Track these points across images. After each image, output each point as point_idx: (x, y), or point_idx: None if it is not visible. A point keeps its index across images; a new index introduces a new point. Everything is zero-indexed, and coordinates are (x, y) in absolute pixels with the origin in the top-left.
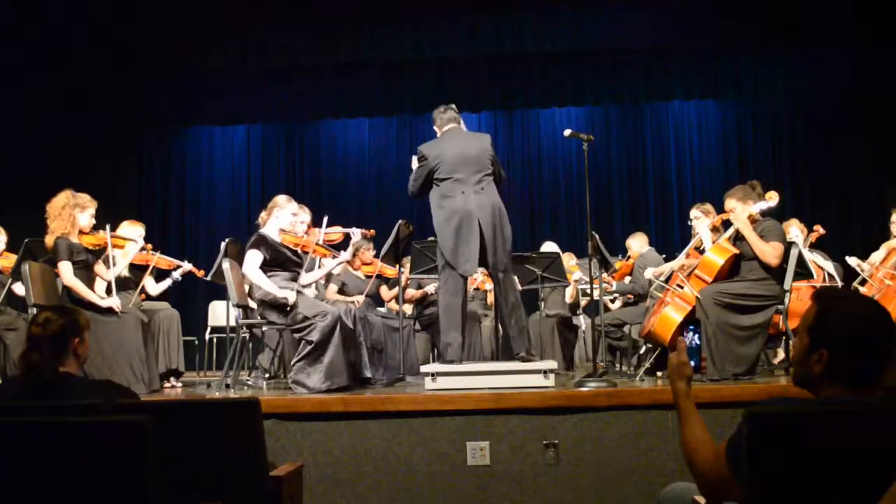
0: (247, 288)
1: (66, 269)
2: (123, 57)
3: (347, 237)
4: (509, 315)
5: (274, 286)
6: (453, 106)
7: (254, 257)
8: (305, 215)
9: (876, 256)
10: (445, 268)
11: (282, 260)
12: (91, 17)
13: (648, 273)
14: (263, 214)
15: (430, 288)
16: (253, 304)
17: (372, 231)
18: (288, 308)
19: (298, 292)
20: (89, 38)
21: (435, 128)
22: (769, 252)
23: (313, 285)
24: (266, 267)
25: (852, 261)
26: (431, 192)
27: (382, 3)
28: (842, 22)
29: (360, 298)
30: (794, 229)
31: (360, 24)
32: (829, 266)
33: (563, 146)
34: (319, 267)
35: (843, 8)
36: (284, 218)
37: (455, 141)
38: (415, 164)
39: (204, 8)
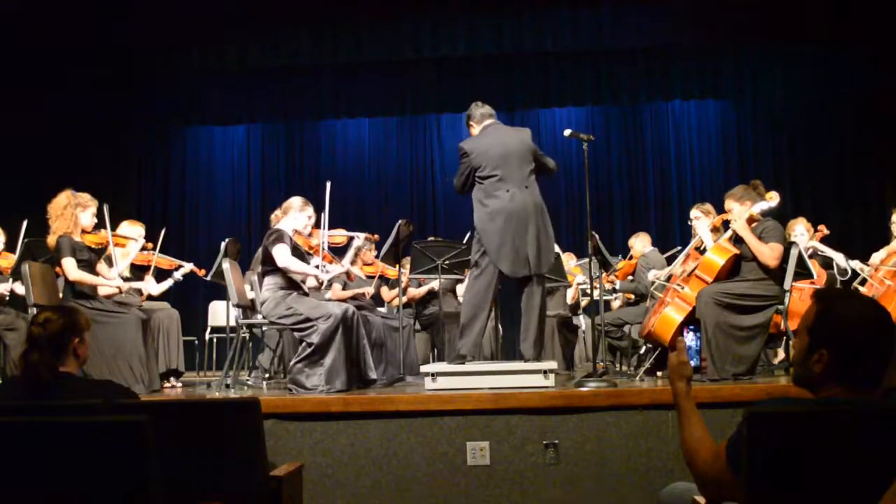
0: (247, 287)
1: (69, 265)
2: (124, 57)
3: (350, 241)
4: (535, 322)
5: (309, 266)
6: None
7: (284, 250)
8: (312, 220)
9: (876, 257)
10: (480, 265)
11: (297, 258)
12: (91, 16)
13: (651, 275)
14: (278, 212)
15: (435, 284)
16: (252, 296)
17: (376, 236)
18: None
19: (304, 293)
20: (89, 38)
21: (472, 123)
22: (767, 254)
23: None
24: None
25: (854, 264)
26: (474, 189)
27: (382, 3)
28: (842, 22)
29: (370, 290)
30: (801, 227)
31: (359, 24)
32: (840, 258)
33: (563, 146)
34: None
35: (843, 8)
36: (301, 220)
37: (497, 137)
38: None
39: (204, 8)
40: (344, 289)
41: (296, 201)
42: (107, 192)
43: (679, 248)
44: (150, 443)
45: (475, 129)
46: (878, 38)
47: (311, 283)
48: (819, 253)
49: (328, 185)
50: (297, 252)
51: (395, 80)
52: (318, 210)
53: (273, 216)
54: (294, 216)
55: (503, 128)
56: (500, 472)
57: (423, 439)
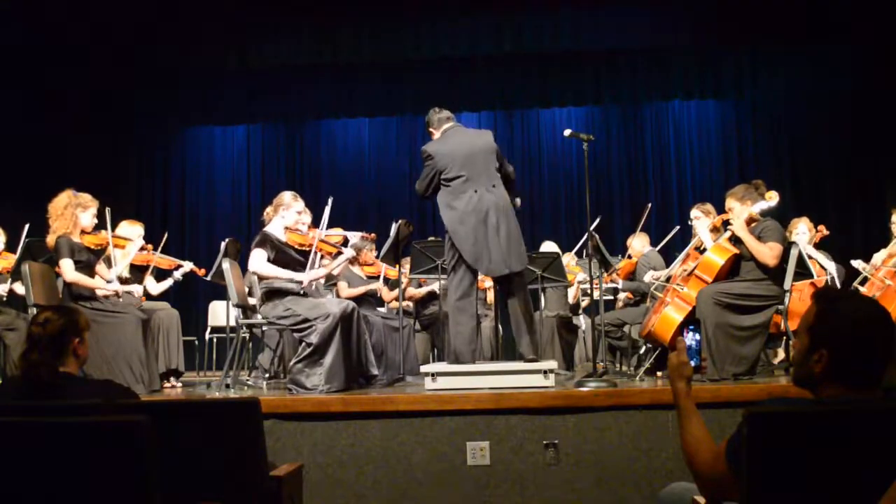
0: (247, 289)
1: (67, 266)
2: (123, 57)
3: (346, 241)
4: (523, 318)
5: (285, 271)
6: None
7: (259, 255)
8: (307, 216)
9: (878, 257)
10: (458, 268)
11: (286, 259)
12: (91, 16)
13: (648, 276)
14: (269, 210)
15: (435, 286)
16: (253, 301)
17: (373, 235)
18: (300, 292)
19: (303, 293)
20: (89, 38)
21: (431, 129)
22: (766, 253)
23: (320, 287)
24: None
25: (857, 263)
26: (440, 193)
27: (382, 3)
28: (842, 22)
29: (379, 284)
30: (802, 226)
31: (360, 24)
32: (832, 267)
33: (563, 146)
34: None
35: (843, 8)
36: (290, 217)
37: (460, 139)
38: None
39: (204, 8)
40: (350, 286)
41: (286, 197)
42: (107, 193)
43: (677, 226)
44: (150, 443)
45: (436, 135)
46: (878, 38)
47: (300, 277)
48: (810, 257)
49: (330, 200)
50: (284, 254)
51: (395, 80)
52: (317, 218)
53: (265, 213)
54: (283, 213)
55: (465, 129)
56: (500, 472)
57: (423, 439)
